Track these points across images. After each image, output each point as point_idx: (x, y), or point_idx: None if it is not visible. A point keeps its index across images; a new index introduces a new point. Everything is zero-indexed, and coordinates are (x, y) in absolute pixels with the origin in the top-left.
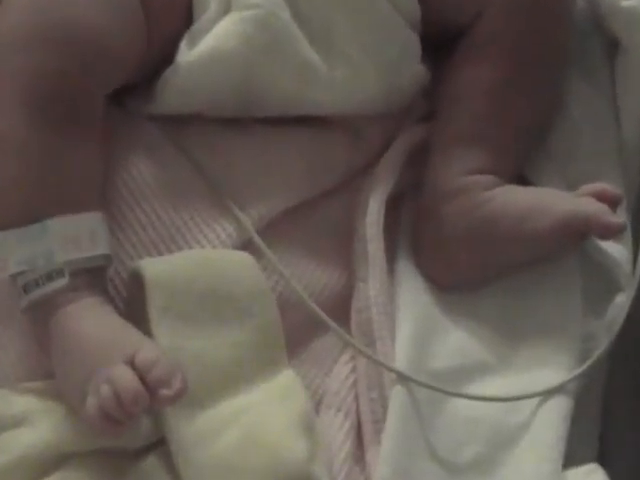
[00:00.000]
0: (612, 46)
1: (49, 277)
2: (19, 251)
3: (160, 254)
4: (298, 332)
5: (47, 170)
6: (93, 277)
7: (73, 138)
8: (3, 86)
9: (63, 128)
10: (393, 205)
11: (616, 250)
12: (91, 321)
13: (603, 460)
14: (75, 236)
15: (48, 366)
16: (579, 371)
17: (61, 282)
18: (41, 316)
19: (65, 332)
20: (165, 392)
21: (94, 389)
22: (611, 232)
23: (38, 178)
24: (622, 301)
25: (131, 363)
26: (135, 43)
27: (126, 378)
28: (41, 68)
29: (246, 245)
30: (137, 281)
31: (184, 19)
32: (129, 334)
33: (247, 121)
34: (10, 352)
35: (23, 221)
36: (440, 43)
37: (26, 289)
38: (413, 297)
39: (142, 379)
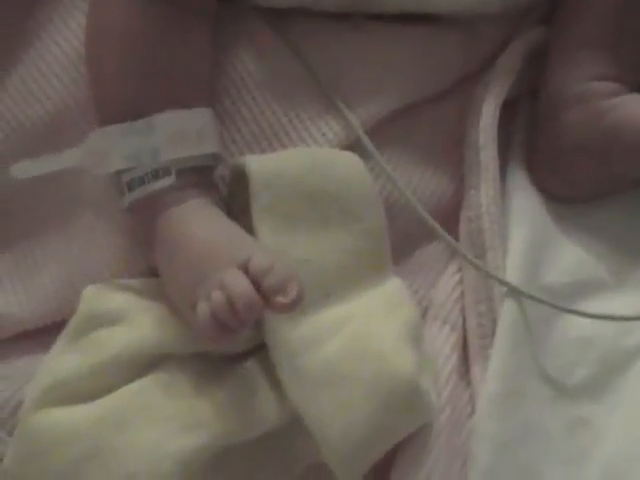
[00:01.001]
0: None
1: (155, 175)
2: (124, 147)
3: (262, 151)
4: (404, 239)
5: (157, 62)
6: (201, 176)
7: (186, 30)
8: None
9: (176, 19)
10: (508, 111)
11: None
12: (200, 223)
13: None
14: (183, 133)
15: (145, 265)
16: None
17: (168, 181)
18: (145, 216)
19: (173, 234)
20: (281, 299)
21: (206, 294)
22: None
23: (147, 70)
24: None
25: (245, 268)
26: None
27: (240, 284)
28: None
29: (353, 146)
30: (239, 178)
31: None
32: (242, 238)
33: (358, 17)
34: (105, 250)
35: (129, 116)
36: None
37: (130, 186)
38: (527, 208)
39: (256, 286)
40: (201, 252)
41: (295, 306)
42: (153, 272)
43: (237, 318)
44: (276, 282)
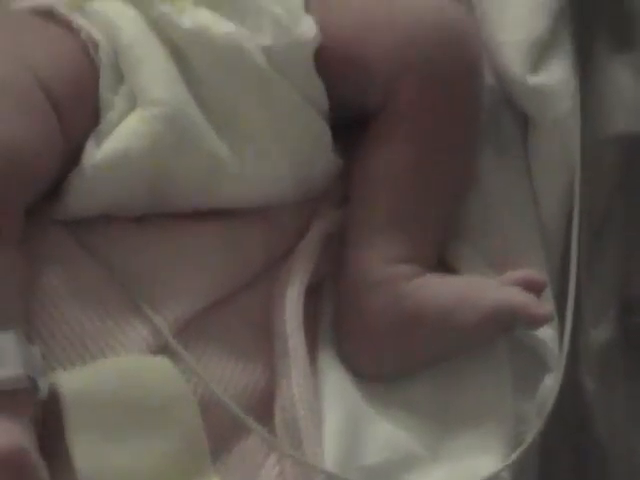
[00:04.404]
0: (524, 121)
1: None
2: None
3: (72, 364)
4: (222, 435)
5: None
6: (11, 399)
7: None
8: None
9: None
10: (312, 295)
11: (542, 331)
12: None
13: None
14: None
15: None
16: (513, 457)
17: None
18: None
19: None
20: None
21: None
22: (539, 323)
23: None
24: (551, 383)
25: None
26: (52, 150)
27: None
28: None
29: (163, 347)
30: (52, 398)
31: (93, 119)
32: None
33: (158, 216)
34: None
35: None
36: (352, 123)
37: None
38: (339, 391)
39: None
40: None
41: None
42: None
43: None
44: None
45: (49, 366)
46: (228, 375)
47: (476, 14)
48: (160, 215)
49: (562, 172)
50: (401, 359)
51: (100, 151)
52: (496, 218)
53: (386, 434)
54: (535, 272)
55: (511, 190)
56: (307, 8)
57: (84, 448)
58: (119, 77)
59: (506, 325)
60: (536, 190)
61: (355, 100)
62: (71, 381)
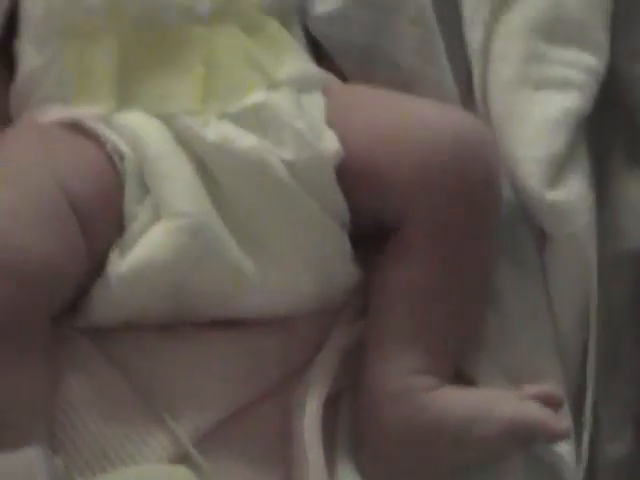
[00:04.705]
0: (541, 235)
1: None
2: None
3: (94, 473)
4: None
5: None
6: None
7: (16, 365)
8: None
9: (4, 356)
10: (331, 406)
11: (559, 445)
12: None
13: None
14: (11, 475)
15: None
16: None
17: None
18: None
19: None
20: None
21: None
22: (557, 439)
23: None
24: None
25: None
26: (77, 261)
27: None
28: None
29: (183, 457)
30: None
31: (117, 229)
32: None
33: (180, 326)
34: None
35: None
36: (372, 236)
37: None
38: None
39: None
40: None
41: None
42: None
43: None
44: None
45: (71, 476)
46: None
47: (494, 129)
48: (182, 323)
49: (579, 286)
50: (418, 470)
51: (125, 262)
52: (513, 331)
53: None
54: (553, 387)
55: (528, 303)
56: (329, 122)
57: None
58: (144, 188)
59: (524, 439)
60: (553, 304)
61: (375, 213)
62: None
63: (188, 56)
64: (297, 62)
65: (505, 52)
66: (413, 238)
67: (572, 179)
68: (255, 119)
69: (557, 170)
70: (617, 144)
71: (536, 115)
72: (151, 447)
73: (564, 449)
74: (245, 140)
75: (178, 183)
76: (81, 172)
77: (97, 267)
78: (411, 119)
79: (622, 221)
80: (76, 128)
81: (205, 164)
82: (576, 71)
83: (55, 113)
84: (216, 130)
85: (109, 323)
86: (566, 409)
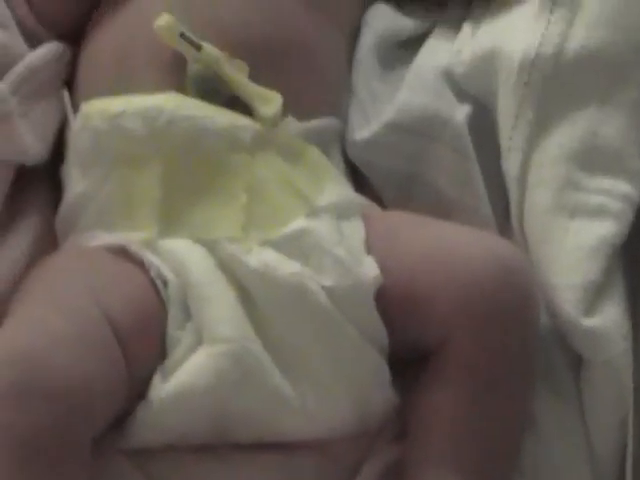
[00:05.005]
0: (577, 360)
1: None
2: None
3: None
4: None
5: None
6: None
7: None
8: None
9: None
10: None
11: None
12: None
13: None
14: None
15: None
16: None
17: None
18: None
19: None
20: None
21: None
22: None
23: None
24: None
25: None
26: (118, 385)
27: None
28: (27, 423)
29: None
30: None
31: (159, 354)
32: None
33: (219, 447)
34: None
35: None
36: (409, 360)
37: None
38: None
39: None
40: None
41: None
42: None
43: None
44: None
45: None
46: None
47: (530, 255)
48: (221, 445)
49: (615, 413)
50: None
51: (167, 386)
52: (549, 457)
53: None
54: None
55: (564, 429)
56: (368, 248)
57: None
58: (186, 314)
59: None
60: (589, 430)
61: (414, 339)
62: None
63: (230, 183)
64: (337, 188)
65: (541, 180)
66: (450, 366)
67: (608, 305)
68: (296, 246)
69: (593, 297)
70: None
71: (572, 243)
72: None
73: None
74: (287, 267)
75: (220, 309)
76: (124, 297)
77: (138, 390)
78: (450, 246)
79: None
80: (120, 253)
81: (247, 290)
82: (612, 199)
83: (100, 238)
84: (258, 257)
85: (150, 444)
86: None
